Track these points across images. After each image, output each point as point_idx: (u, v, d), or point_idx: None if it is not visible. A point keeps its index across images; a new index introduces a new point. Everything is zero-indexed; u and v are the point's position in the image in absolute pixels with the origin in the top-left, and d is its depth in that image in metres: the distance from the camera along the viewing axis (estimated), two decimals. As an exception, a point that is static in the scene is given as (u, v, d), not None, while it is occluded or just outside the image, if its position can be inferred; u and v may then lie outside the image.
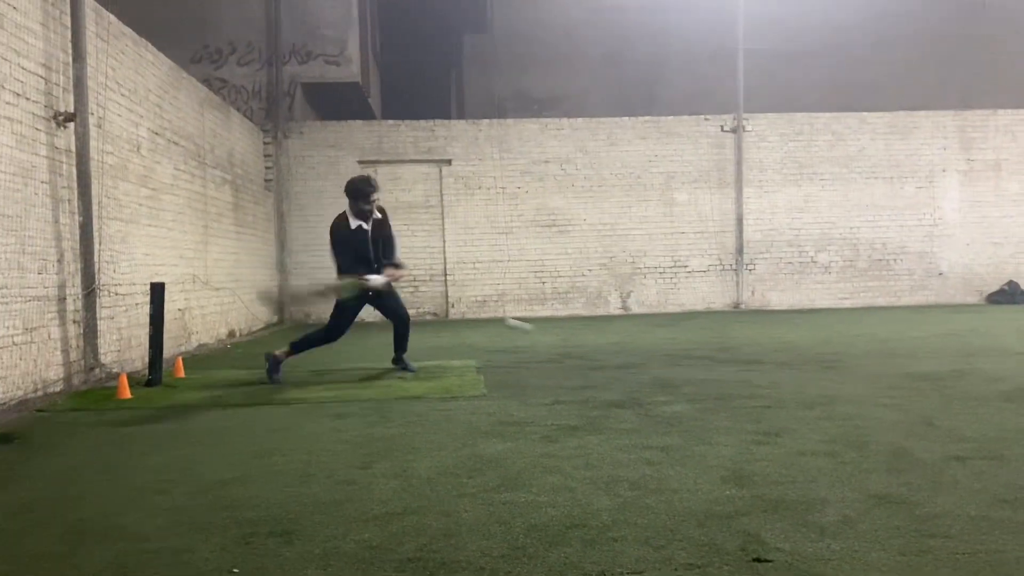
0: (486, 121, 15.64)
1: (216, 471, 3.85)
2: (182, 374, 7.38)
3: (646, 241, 15.42)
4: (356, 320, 7.36)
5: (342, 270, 6.88)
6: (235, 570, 2.54)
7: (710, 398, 5.62)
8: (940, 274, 15.72)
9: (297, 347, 7.09)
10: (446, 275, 15.04)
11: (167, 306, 7.87)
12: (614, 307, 15.41)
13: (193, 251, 9.98)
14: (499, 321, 14.11)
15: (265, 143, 14.25)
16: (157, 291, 6.94)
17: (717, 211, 15.47)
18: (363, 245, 6.88)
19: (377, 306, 7.28)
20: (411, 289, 14.29)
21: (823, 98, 17.18)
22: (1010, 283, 15.52)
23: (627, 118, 15.53)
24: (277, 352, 6.99)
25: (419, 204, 14.92)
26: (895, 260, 15.71)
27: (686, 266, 15.52)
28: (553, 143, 15.27)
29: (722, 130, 15.47)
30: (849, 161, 15.59)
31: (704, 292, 15.54)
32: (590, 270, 15.37)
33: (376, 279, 6.78)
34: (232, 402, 5.97)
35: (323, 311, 14.72)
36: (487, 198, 15.12)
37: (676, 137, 15.46)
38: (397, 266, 7.24)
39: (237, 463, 4.01)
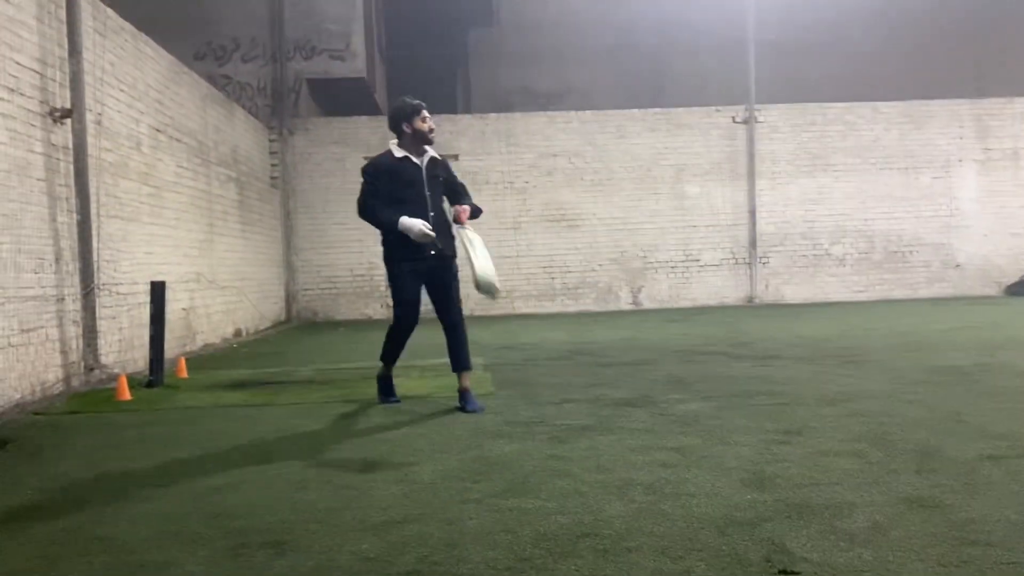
0: (493, 115, 15.48)
1: (210, 477, 3.69)
2: (185, 374, 7.25)
3: (657, 235, 15.23)
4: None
5: (366, 210, 5.27)
6: (221, 585, 2.38)
7: (726, 395, 5.43)
8: (957, 266, 15.47)
9: (384, 356, 5.61)
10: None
11: (171, 305, 7.76)
12: (625, 302, 15.22)
13: (197, 249, 9.85)
14: (517, 318, 13.98)
15: (271, 140, 14.13)
16: (157, 290, 6.81)
17: (729, 204, 15.26)
18: (411, 178, 5.20)
19: (431, 290, 5.40)
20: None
21: (835, 89, 16.88)
22: (1026, 277, 15.30)
23: (636, 110, 15.35)
24: (379, 373, 5.68)
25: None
26: (911, 252, 15.46)
27: (698, 260, 15.32)
28: (561, 137, 15.10)
29: (733, 121, 15.26)
30: (863, 151, 15.35)
31: (717, 286, 15.34)
32: (600, 265, 15.19)
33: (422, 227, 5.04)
34: (233, 403, 5.83)
35: (330, 310, 14.71)
36: (495, 193, 14.95)
37: (686, 129, 15.26)
38: (474, 210, 5.38)
39: (233, 468, 3.86)
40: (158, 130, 8.70)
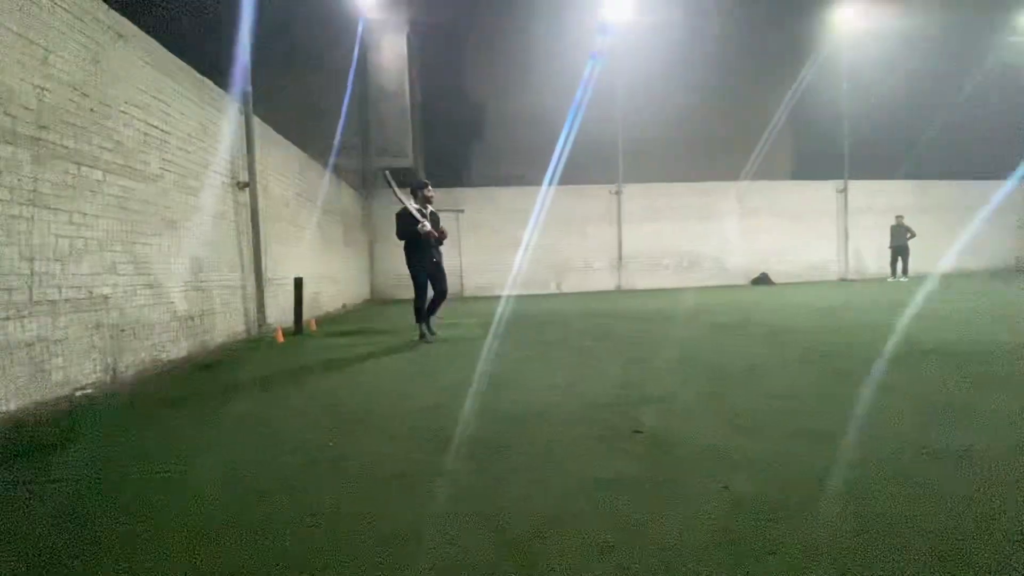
0: (484, 188, 15.30)
1: (325, 383, 3.60)
2: (315, 328, 7.07)
3: (572, 252, 15.19)
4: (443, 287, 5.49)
5: (401, 235, 5.34)
6: (331, 444, 2.30)
7: (605, 338, 5.41)
8: (726, 269, 15.64)
9: (418, 318, 5.50)
10: (461, 274, 14.73)
11: (306, 291, 7.56)
12: (552, 289, 15.18)
13: (322, 261, 9.62)
14: (497, 297, 13.81)
15: (362, 200, 13.83)
16: (297, 282, 6.65)
17: (609, 236, 15.28)
18: (416, 217, 5.30)
19: (430, 276, 5.42)
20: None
21: (667, 171, 16.88)
22: (762, 273, 15.49)
23: (560, 186, 15.22)
24: (419, 332, 5.54)
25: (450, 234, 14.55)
26: (702, 262, 15.60)
27: (592, 265, 15.32)
28: (519, 200, 14.99)
29: (610, 193, 15.26)
30: (680, 209, 15.45)
31: (602, 279, 15.35)
32: (539, 267, 15.12)
33: (424, 224, 5.22)
34: (340, 343, 5.68)
35: (394, 293, 14.48)
36: (484, 233, 14.84)
37: (588, 196, 15.24)
38: (441, 234, 5.44)
39: (339, 377, 3.76)
40: (299, 195, 8.46)
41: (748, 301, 9.83)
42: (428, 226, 5.24)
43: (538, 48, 16.76)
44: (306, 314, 7.64)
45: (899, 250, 14.12)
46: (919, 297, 8.33)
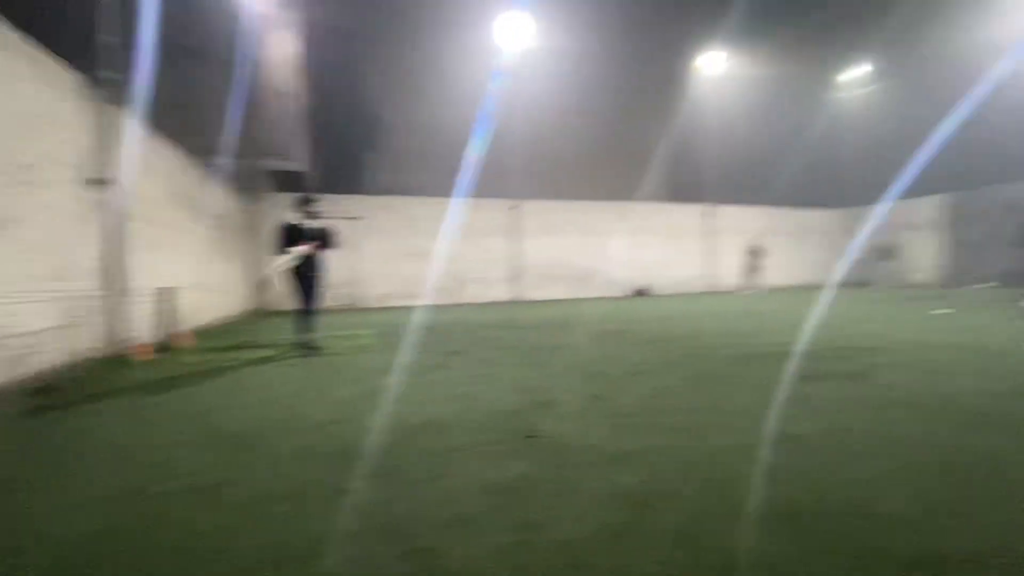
0: (382, 197, 14.86)
1: (201, 403, 3.25)
2: (189, 342, 6.30)
3: (472, 264, 15.28)
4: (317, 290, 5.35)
5: (279, 251, 5.19)
6: (210, 470, 2.10)
7: (504, 347, 5.50)
8: (611, 282, 16.76)
9: (305, 331, 5.27)
10: (360, 284, 14.11)
11: (182, 301, 6.74)
12: (451, 300, 15.12)
13: (200, 269, 8.62)
14: (396, 308, 13.41)
15: (247, 204, 12.66)
16: (165, 291, 5.96)
17: (508, 249, 15.64)
18: (296, 233, 5.19)
19: (307, 291, 5.25)
20: (340, 290, 13.30)
21: (560, 190, 17.74)
22: (642, 286, 16.84)
23: (461, 198, 15.30)
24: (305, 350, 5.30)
25: (345, 243, 13.85)
26: (592, 275, 16.56)
27: (490, 277, 15.54)
28: (420, 209, 14.79)
29: (509, 209, 15.68)
30: (569, 225, 16.30)
31: (501, 291, 15.62)
32: (443, 279, 14.99)
33: (297, 249, 5.11)
34: (220, 359, 5.14)
35: (278, 303, 13.41)
36: (383, 239, 14.39)
37: (487, 210, 15.46)
38: (325, 241, 5.29)
39: (218, 396, 3.42)
40: (173, 195, 7.53)
41: (629, 311, 10.58)
42: (300, 250, 5.17)
43: (438, 60, 16.83)
44: (181, 327, 6.80)
45: (754, 266, 16.32)
46: (768, 307, 9.69)
